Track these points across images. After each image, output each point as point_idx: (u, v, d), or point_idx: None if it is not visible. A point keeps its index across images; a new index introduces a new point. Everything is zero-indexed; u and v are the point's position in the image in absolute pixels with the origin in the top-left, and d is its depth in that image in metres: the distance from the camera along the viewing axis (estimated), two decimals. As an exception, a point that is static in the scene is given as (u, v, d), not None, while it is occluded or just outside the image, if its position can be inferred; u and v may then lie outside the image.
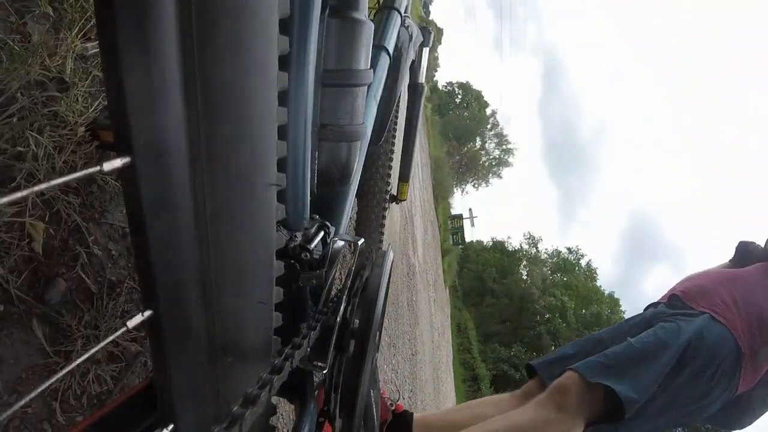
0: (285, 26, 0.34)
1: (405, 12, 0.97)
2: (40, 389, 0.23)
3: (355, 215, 1.32)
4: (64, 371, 0.25)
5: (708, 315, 1.05)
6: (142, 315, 0.28)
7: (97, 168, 0.23)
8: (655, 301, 1.29)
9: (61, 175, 0.64)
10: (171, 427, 0.35)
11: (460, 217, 17.89)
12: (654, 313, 1.17)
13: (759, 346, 1.03)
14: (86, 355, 0.26)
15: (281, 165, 0.38)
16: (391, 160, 1.24)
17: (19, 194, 0.19)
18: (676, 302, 1.17)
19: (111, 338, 0.29)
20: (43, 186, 0.20)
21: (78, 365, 0.63)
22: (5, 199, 0.19)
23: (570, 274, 31.53)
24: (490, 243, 32.99)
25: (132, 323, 0.27)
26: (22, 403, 0.21)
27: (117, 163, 0.23)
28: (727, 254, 1.41)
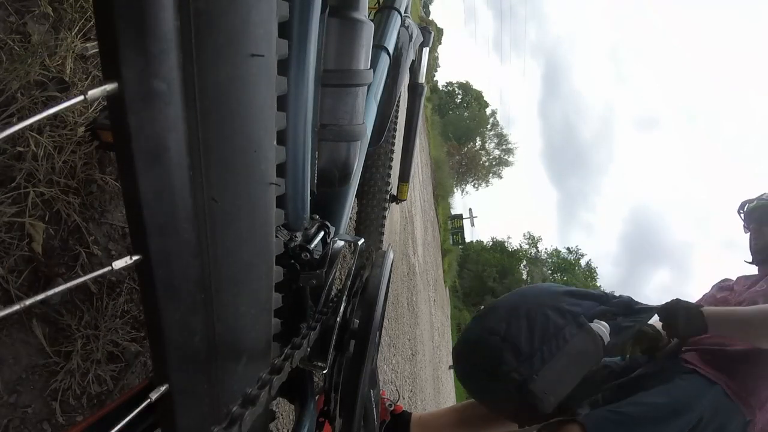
0: (285, 27, 0.34)
1: (405, 12, 0.97)
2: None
3: (355, 215, 1.32)
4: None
5: (719, 387, 1.00)
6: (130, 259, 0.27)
7: (81, 98, 0.22)
8: None
9: (61, 173, 0.64)
10: (171, 426, 0.35)
11: (460, 217, 17.88)
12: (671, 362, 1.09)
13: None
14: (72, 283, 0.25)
15: (281, 166, 0.38)
16: (391, 160, 1.25)
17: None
18: (693, 359, 1.08)
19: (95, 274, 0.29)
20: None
21: (78, 365, 0.63)
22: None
23: (570, 274, 31.55)
24: (490, 243, 33.03)
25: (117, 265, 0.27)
26: None
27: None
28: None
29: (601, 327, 0.95)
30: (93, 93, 0.22)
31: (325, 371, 0.51)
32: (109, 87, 0.23)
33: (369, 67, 0.60)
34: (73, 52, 0.69)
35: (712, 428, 0.96)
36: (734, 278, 1.35)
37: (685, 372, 1.05)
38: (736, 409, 0.99)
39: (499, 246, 32.66)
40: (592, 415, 0.97)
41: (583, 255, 33.18)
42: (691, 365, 1.06)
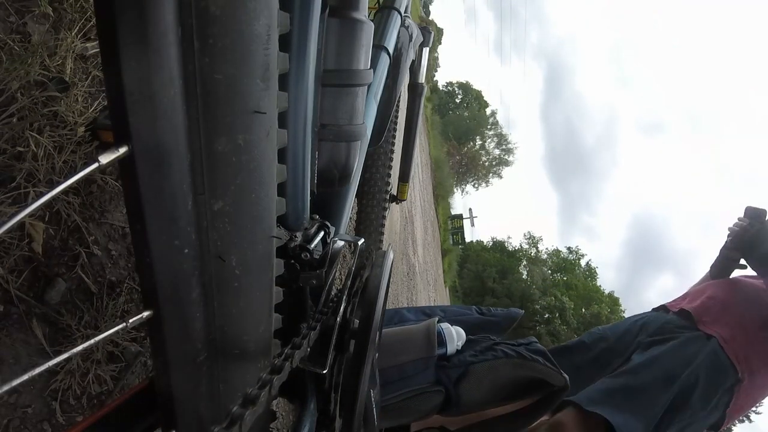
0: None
1: (405, 12, 0.97)
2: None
3: (355, 215, 1.32)
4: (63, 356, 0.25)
5: (716, 340, 1.05)
6: (142, 316, 0.28)
7: (95, 165, 0.23)
8: (666, 303, 1.27)
9: (64, 177, 0.64)
10: (171, 427, 0.35)
11: (460, 217, 17.88)
12: (665, 321, 1.15)
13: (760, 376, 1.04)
14: (82, 347, 0.25)
15: (281, 163, 0.38)
16: (391, 160, 1.24)
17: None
18: (688, 318, 1.14)
19: (109, 333, 0.29)
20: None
21: (78, 365, 0.63)
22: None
23: (570, 274, 31.55)
24: (490, 243, 33.02)
25: (132, 321, 0.27)
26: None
27: (116, 152, 0.23)
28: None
29: (452, 331, 0.84)
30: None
31: (324, 371, 0.51)
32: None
33: (369, 67, 0.60)
34: (73, 52, 0.69)
35: (706, 382, 1.00)
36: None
37: (678, 328, 1.10)
38: (728, 365, 1.03)
39: (499, 246, 32.65)
40: (584, 393, 0.99)
41: (583, 255, 33.16)
42: (688, 322, 1.11)
